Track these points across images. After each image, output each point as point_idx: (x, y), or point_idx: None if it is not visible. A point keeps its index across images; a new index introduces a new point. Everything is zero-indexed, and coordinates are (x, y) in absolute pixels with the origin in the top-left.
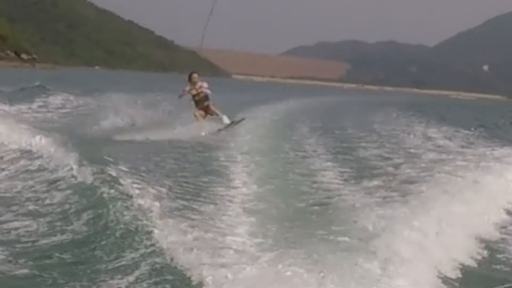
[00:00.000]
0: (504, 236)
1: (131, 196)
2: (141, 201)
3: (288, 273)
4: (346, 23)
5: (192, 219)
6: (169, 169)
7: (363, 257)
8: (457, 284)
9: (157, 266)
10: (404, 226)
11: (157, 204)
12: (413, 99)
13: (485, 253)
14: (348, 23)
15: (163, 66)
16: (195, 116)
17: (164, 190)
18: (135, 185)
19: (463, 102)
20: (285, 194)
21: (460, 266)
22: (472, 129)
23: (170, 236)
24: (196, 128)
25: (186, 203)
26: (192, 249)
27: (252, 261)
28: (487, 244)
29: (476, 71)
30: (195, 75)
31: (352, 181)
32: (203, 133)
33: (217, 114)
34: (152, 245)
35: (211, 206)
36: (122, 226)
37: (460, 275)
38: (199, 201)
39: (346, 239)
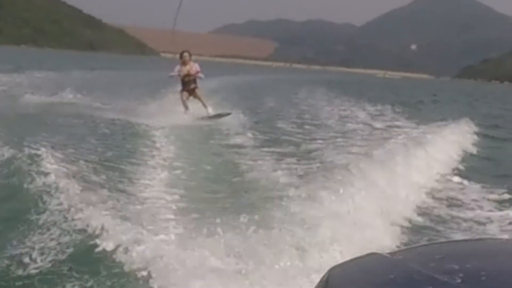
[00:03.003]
0: (423, 214)
1: (48, 173)
2: (60, 180)
3: (207, 256)
4: (275, 2)
5: (112, 199)
6: (89, 148)
7: (279, 237)
8: None
9: (76, 243)
10: (321, 205)
11: (75, 182)
12: (339, 77)
13: (403, 233)
14: (277, 1)
15: (91, 45)
16: (182, 101)
17: (83, 168)
18: (54, 163)
19: (389, 80)
20: (204, 173)
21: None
22: (394, 106)
23: (89, 218)
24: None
25: (105, 183)
26: (112, 230)
27: (172, 242)
28: (407, 225)
29: (404, 50)
30: (185, 54)
31: (272, 160)
32: (185, 116)
33: (202, 103)
34: (72, 222)
35: (131, 187)
36: (40, 204)
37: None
38: (118, 181)
39: (265, 219)
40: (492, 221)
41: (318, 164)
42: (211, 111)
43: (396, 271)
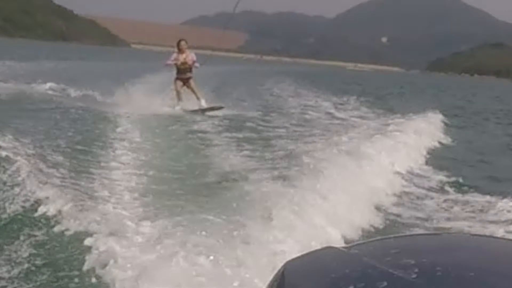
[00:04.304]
0: (386, 206)
1: (15, 160)
2: (24, 164)
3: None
4: None
5: (76, 184)
6: (56, 134)
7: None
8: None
9: (36, 234)
10: (287, 195)
11: (39, 166)
12: (309, 69)
13: (366, 225)
14: None
15: (63, 35)
16: (176, 91)
17: (49, 153)
18: (20, 147)
19: (359, 73)
20: (168, 159)
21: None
22: (359, 97)
23: (52, 203)
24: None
25: (71, 167)
26: (75, 218)
27: (138, 233)
28: (370, 216)
29: (374, 43)
30: (183, 43)
31: (234, 146)
32: (177, 107)
33: (195, 94)
34: (33, 212)
35: (96, 176)
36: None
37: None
38: (83, 166)
39: (224, 204)
40: (454, 208)
41: (279, 152)
42: (204, 103)
43: (350, 265)
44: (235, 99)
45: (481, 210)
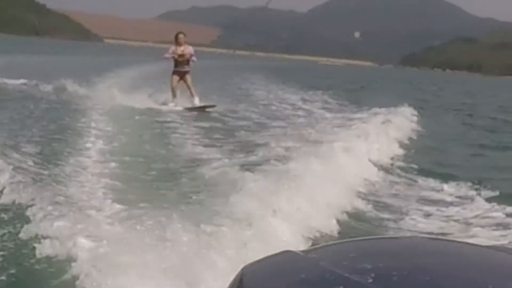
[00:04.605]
0: (352, 204)
1: None
2: None
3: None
4: None
5: (44, 178)
6: (26, 126)
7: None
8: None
9: (8, 231)
10: (256, 191)
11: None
12: (282, 64)
13: (330, 226)
14: None
15: (35, 30)
16: (172, 87)
17: (19, 145)
18: None
19: (331, 67)
20: (135, 150)
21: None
22: (329, 91)
23: (19, 189)
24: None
25: (40, 160)
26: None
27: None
28: (347, 214)
29: (347, 37)
30: (181, 36)
31: (198, 136)
32: (171, 104)
33: (190, 90)
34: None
35: (65, 169)
36: None
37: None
38: (51, 158)
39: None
40: (409, 192)
41: (242, 143)
42: (197, 102)
43: (307, 270)
44: (202, 93)
45: (430, 192)
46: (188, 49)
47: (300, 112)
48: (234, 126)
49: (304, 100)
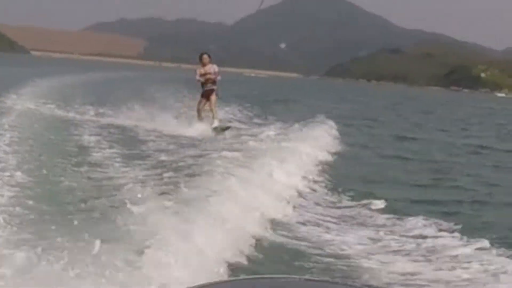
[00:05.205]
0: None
1: None
2: None
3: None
4: (146, 0)
5: None
6: None
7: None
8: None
9: None
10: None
11: None
12: None
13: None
14: (149, 0)
15: None
16: (197, 109)
17: None
18: None
19: (255, 79)
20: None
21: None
22: (247, 105)
23: None
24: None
25: None
26: None
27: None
28: (262, 232)
29: (274, 49)
30: (205, 56)
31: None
32: (197, 125)
33: (212, 112)
34: None
35: None
36: None
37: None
38: None
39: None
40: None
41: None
42: (216, 123)
43: None
44: (111, 102)
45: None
46: (212, 68)
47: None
48: (131, 135)
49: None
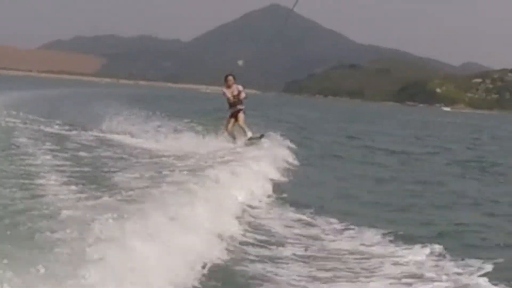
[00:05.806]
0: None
1: None
2: None
3: None
4: (102, 18)
5: None
6: None
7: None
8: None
9: None
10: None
11: None
12: (160, 92)
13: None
14: (105, 17)
15: None
16: (227, 132)
17: None
18: None
19: (212, 96)
20: None
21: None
22: (194, 121)
23: None
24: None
25: None
26: None
27: None
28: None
29: (231, 65)
30: (230, 78)
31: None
32: (231, 144)
33: (243, 129)
34: None
35: None
36: None
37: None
38: None
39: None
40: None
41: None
42: (250, 134)
43: None
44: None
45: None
46: (237, 89)
47: (156, 145)
48: (77, 148)
49: (159, 131)
